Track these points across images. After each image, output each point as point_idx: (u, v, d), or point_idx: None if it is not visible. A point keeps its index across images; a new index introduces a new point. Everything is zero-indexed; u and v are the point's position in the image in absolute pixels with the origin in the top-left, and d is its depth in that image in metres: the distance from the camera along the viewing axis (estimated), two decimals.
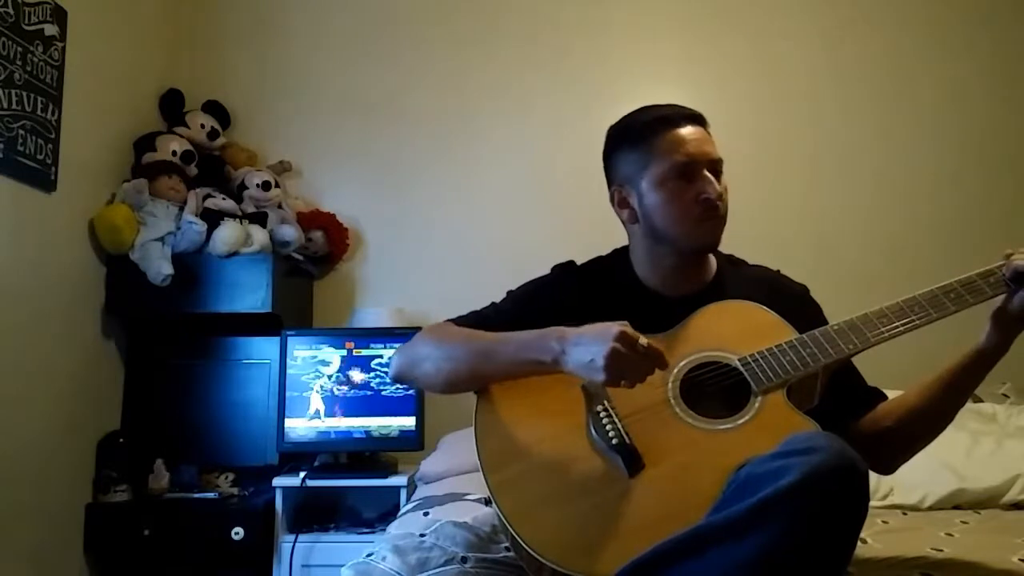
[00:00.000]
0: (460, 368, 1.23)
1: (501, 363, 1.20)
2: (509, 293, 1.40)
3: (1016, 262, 1.14)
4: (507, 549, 1.23)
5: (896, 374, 1.50)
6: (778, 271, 1.42)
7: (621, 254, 1.40)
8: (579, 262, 1.42)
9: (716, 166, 1.29)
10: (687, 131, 1.28)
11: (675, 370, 1.19)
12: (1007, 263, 1.15)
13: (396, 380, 1.35)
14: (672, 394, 1.17)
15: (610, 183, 1.37)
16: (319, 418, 2.46)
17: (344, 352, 2.50)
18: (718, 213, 1.27)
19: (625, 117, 1.36)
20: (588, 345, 1.08)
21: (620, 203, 1.34)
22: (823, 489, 0.86)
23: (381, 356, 2.50)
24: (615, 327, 1.07)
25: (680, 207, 1.26)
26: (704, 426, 1.14)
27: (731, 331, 1.23)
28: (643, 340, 1.06)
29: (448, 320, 1.35)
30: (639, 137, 1.30)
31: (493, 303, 1.39)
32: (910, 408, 1.26)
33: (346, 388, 2.48)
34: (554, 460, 1.13)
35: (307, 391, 2.47)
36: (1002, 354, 1.18)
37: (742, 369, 1.17)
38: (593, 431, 1.14)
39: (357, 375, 2.49)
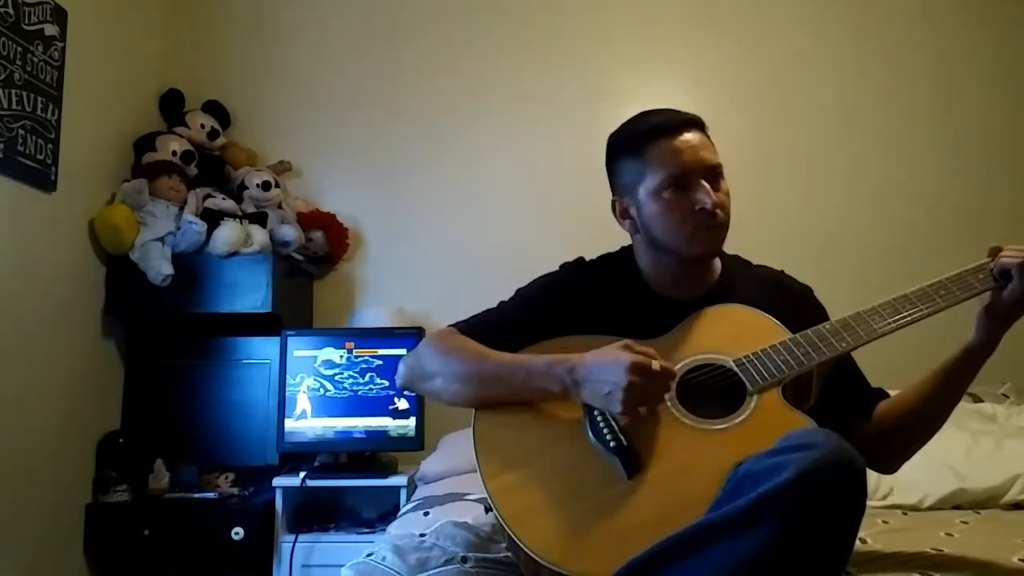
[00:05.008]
0: (468, 390, 1.24)
1: (509, 390, 1.20)
2: (518, 292, 1.39)
3: (1003, 259, 1.15)
4: (507, 550, 1.23)
5: (895, 372, 1.49)
6: (782, 271, 1.43)
7: (629, 253, 1.39)
8: (585, 259, 1.42)
9: (714, 172, 1.27)
10: (683, 139, 1.26)
11: None
12: (995, 260, 1.17)
13: (403, 389, 1.35)
14: (669, 396, 1.17)
15: (612, 192, 1.37)
16: (305, 418, 2.45)
17: (344, 352, 2.50)
18: (716, 221, 1.26)
19: (624, 125, 1.35)
20: (602, 377, 1.09)
21: (622, 213, 1.34)
22: (820, 485, 0.86)
23: (381, 357, 2.50)
24: (625, 356, 1.07)
25: (676, 218, 1.25)
26: (701, 426, 1.14)
27: (726, 334, 1.24)
28: (655, 364, 1.08)
29: (454, 326, 1.34)
30: (635, 147, 1.29)
31: (501, 303, 1.38)
32: (906, 408, 1.27)
33: (346, 389, 2.48)
34: (553, 464, 1.14)
35: (307, 391, 2.47)
36: (991, 351, 1.19)
37: (737, 370, 1.18)
38: (591, 434, 1.15)
39: (355, 374, 2.49)
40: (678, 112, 1.30)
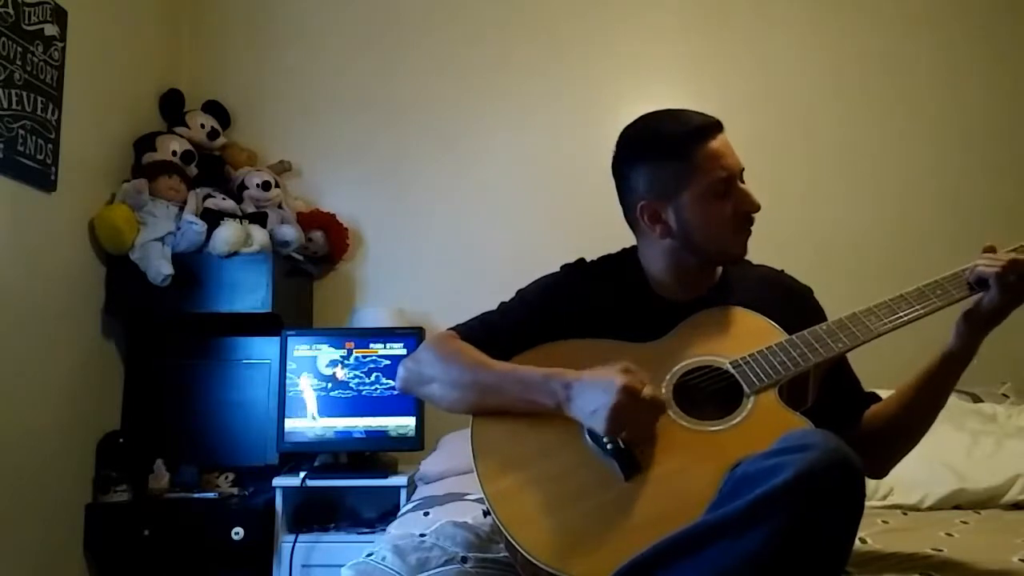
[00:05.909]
0: (465, 398, 1.24)
1: (505, 400, 1.20)
2: (519, 293, 1.38)
3: (980, 267, 1.15)
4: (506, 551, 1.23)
5: (893, 373, 1.49)
6: (782, 271, 1.43)
7: (630, 255, 1.38)
8: (586, 259, 1.41)
9: (742, 174, 1.28)
10: (719, 142, 1.24)
11: (668, 375, 1.19)
12: (972, 268, 1.17)
13: (403, 393, 1.35)
14: (666, 399, 1.17)
15: (631, 193, 1.29)
16: (311, 419, 2.45)
17: (344, 352, 2.50)
18: (752, 223, 1.27)
19: (647, 125, 1.29)
20: (592, 395, 1.09)
21: (652, 218, 1.27)
22: (818, 486, 0.86)
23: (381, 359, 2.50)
24: (619, 379, 1.07)
25: (723, 221, 1.25)
26: (698, 428, 1.14)
27: (723, 336, 1.24)
28: (646, 390, 1.07)
29: (454, 328, 1.33)
30: (676, 150, 1.23)
31: (502, 304, 1.38)
32: (889, 415, 1.28)
33: (346, 389, 2.48)
34: (551, 467, 1.13)
35: (314, 391, 2.47)
36: (970, 358, 1.19)
37: (733, 371, 1.18)
38: (588, 437, 1.15)
39: (355, 375, 2.49)
40: (703, 114, 1.27)
